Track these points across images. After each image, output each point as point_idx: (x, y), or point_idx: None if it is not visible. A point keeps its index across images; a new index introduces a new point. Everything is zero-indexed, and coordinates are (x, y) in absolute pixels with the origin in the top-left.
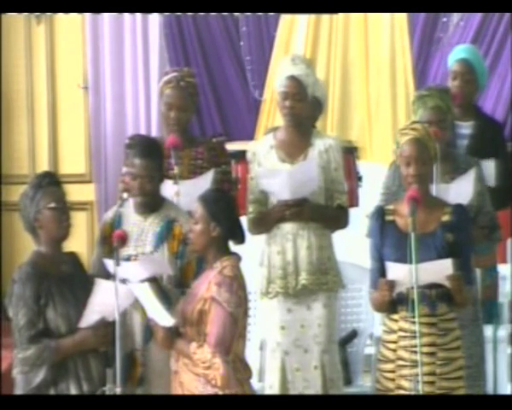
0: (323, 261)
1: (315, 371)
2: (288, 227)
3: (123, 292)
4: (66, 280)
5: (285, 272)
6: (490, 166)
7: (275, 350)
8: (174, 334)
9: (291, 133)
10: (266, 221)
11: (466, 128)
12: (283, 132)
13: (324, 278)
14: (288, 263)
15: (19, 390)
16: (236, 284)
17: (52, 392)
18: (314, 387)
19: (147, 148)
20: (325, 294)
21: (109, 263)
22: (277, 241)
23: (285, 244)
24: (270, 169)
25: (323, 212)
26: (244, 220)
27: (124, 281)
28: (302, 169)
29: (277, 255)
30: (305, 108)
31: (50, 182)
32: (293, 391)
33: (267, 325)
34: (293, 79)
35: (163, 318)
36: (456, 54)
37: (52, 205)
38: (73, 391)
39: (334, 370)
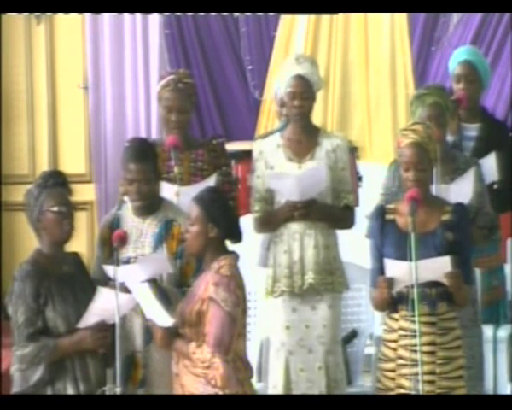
0: (329, 261)
1: (319, 371)
2: (295, 226)
3: (123, 298)
4: (67, 280)
5: (291, 270)
6: (491, 162)
7: (279, 350)
8: (173, 334)
9: (299, 132)
10: (273, 220)
11: (472, 130)
12: (291, 131)
13: (330, 278)
14: (294, 262)
15: (16, 388)
16: (234, 283)
17: (49, 391)
18: (318, 387)
19: (139, 151)
20: (330, 294)
21: (108, 269)
22: (284, 240)
23: (292, 243)
24: (279, 172)
25: (331, 212)
26: (244, 220)
27: (123, 284)
28: (311, 172)
29: (284, 254)
30: (312, 107)
31: (56, 183)
32: (296, 391)
33: (271, 324)
34: (300, 78)
35: (162, 318)
36: (458, 56)
37: (55, 209)
38: (70, 391)
39: (338, 370)
